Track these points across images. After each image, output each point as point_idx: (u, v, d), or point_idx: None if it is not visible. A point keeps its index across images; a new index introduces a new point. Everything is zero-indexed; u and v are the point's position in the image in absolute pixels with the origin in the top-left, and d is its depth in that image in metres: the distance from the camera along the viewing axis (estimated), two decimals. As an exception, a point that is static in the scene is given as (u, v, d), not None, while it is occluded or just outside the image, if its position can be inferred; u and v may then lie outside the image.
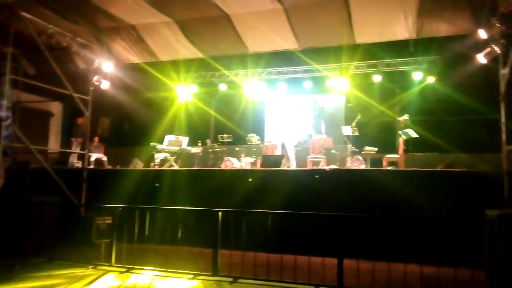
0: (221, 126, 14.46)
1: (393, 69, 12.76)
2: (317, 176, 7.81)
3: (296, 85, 14.07)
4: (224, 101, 15.25)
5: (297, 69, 13.68)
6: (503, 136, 6.80)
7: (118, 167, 11.54)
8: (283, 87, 14.14)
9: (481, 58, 7.99)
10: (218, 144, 13.27)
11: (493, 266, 4.98)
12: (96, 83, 9.81)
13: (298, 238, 6.81)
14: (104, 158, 11.97)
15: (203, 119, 15.07)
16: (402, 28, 8.36)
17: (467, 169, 7.85)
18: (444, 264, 5.14)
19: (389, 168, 9.91)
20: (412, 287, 5.07)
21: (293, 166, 10.55)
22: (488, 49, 7.70)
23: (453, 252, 5.53)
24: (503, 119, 6.86)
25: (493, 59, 7.61)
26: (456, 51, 9.78)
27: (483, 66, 8.21)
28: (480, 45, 7.94)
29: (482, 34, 7.68)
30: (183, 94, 14.55)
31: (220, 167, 11.58)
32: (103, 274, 5.96)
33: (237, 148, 12.86)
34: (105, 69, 9.94)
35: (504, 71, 6.85)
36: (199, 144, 13.09)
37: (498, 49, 7.25)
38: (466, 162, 9.36)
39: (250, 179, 8.20)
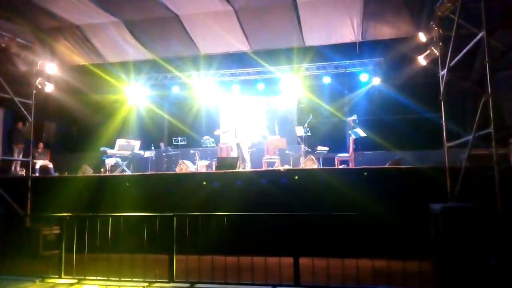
0: (175, 129, 14.25)
1: (341, 70, 13.19)
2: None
3: (249, 87, 14.17)
4: (177, 104, 15.03)
5: (250, 71, 13.77)
6: (444, 134, 7.23)
7: (66, 174, 11.02)
8: (236, 89, 14.18)
9: (421, 60, 8.46)
10: (172, 147, 13.06)
11: (439, 257, 5.26)
12: (39, 86, 9.31)
13: (254, 239, 6.85)
14: (50, 165, 11.38)
15: (156, 122, 14.76)
16: (348, 31, 8.67)
17: (413, 165, 8.26)
18: (394, 258, 5.38)
19: (340, 166, 10.23)
20: (365, 281, 5.24)
21: (248, 167, 10.59)
22: (427, 51, 8.16)
23: (402, 246, 5.80)
24: (443, 118, 7.29)
25: (433, 61, 8.07)
26: (399, 53, 10.31)
27: (424, 68, 8.69)
28: (421, 48, 8.40)
29: (422, 37, 8.13)
30: (133, 96, 14.16)
31: (175, 170, 11.40)
32: (52, 287, 5.67)
33: (191, 151, 12.72)
34: (48, 71, 9.45)
35: (443, 73, 7.27)
36: (152, 147, 12.81)
37: (437, 52, 7.70)
38: (411, 159, 9.87)
39: (204, 182, 8.14)
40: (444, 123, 7.26)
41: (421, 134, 10.99)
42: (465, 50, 6.44)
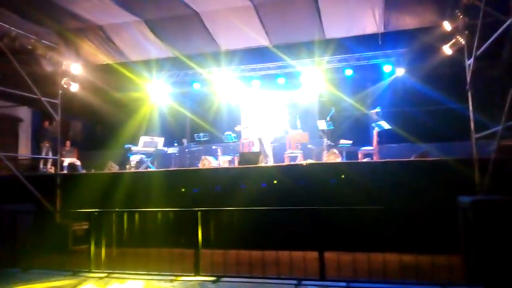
0: (197, 125, 14.36)
1: (364, 62, 12.98)
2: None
3: (270, 82, 14.12)
4: (199, 100, 15.14)
5: (270, 65, 13.72)
6: (472, 125, 7.04)
7: (92, 171, 11.29)
8: (257, 84, 14.16)
9: (447, 49, 8.23)
10: (195, 144, 13.18)
11: (468, 251, 5.15)
12: (65, 86, 9.55)
13: (279, 233, 6.85)
14: (78, 163, 11.67)
15: (178, 118, 14.92)
16: (370, 22, 8.51)
17: (439, 158, 8.07)
18: (422, 252, 5.29)
19: (364, 160, 10.10)
20: (392, 276, 5.17)
21: (270, 162, 10.59)
22: (453, 40, 7.94)
23: (431, 240, 5.70)
24: (471, 108, 7.09)
25: (459, 50, 7.85)
26: (424, 43, 10.05)
27: (450, 57, 8.46)
28: (446, 37, 8.17)
29: (447, 25, 7.91)
30: (155, 94, 14.34)
31: (197, 166, 11.51)
32: (83, 281, 5.83)
33: (214, 147, 12.81)
34: (73, 71, 9.68)
35: (469, 62, 7.07)
36: (175, 144, 12.96)
37: (463, 40, 7.49)
38: (437, 151, 9.65)
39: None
40: (471, 114, 7.06)
41: (447, 126, 10.72)
42: (492, 38, 6.23)
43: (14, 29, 8.16)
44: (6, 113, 13.06)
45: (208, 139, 13.05)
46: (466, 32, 7.33)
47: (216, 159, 11.78)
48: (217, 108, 14.66)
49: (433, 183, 7.00)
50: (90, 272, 6.21)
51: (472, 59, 6.92)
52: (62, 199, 8.83)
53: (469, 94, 7.15)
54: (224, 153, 12.35)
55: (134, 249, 6.76)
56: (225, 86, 14.06)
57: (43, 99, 8.78)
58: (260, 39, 9.31)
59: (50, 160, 11.18)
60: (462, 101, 7.62)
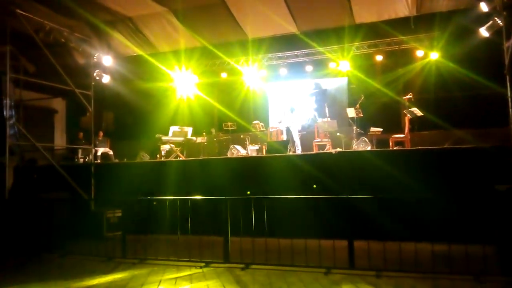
0: (224, 115, 14.42)
1: (395, 48, 12.58)
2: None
3: (298, 70, 13.94)
4: (226, 89, 15.16)
5: (298, 53, 13.54)
6: (510, 110, 6.73)
7: (125, 160, 11.58)
8: (284, 72, 14.04)
9: (483, 32, 7.87)
10: (223, 133, 13.26)
11: (503, 241, 4.97)
12: (97, 78, 9.79)
13: (307, 222, 6.83)
14: (111, 152, 12.01)
15: (206, 108, 15.02)
16: (401, 5, 8.25)
17: (475, 145, 7.78)
18: (455, 242, 5.15)
19: (395, 148, 9.88)
20: (424, 266, 5.07)
21: (299, 151, 10.54)
22: (490, 22, 7.57)
23: (464, 229, 5.53)
24: (509, 93, 6.78)
25: (496, 32, 7.49)
26: (458, 26, 9.64)
27: (486, 40, 8.09)
28: (482, 19, 7.81)
29: (484, 7, 7.54)
30: (184, 84, 14.47)
31: (226, 155, 11.60)
32: (116, 266, 6.03)
33: (242, 136, 12.85)
34: (105, 63, 9.90)
35: (508, 44, 6.74)
36: (204, 133, 13.10)
37: (501, 22, 7.13)
38: (472, 138, 9.30)
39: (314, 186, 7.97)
40: (509, 99, 6.75)
41: (483, 111, 10.31)
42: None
43: (48, 22, 8.39)
44: (41, 105, 13.54)
45: (236, 128, 13.09)
46: (505, 13, 6.97)
47: (245, 148, 11.83)
48: (244, 97, 14.65)
49: (468, 172, 6.77)
50: (124, 258, 6.41)
51: (510, 41, 6.59)
52: (96, 187, 9.11)
53: (507, 78, 6.83)
54: (252, 142, 12.37)
55: (166, 236, 6.92)
56: (253, 75, 14.02)
57: (77, 90, 9.04)
58: (288, 26, 9.21)
59: (81, 150, 11.56)
60: (499, 86, 7.28)
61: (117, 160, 11.78)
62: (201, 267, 5.81)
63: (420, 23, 9.99)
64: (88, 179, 9.10)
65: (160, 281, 5.16)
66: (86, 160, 11.47)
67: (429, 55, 12.06)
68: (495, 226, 5.23)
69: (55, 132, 14.49)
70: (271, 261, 5.66)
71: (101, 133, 12.15)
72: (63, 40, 8.86)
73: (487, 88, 9.88)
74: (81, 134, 11.77)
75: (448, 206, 5.96)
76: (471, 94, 11.17)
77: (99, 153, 11.50)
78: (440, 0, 8.06)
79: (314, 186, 7.52)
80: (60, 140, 14.41)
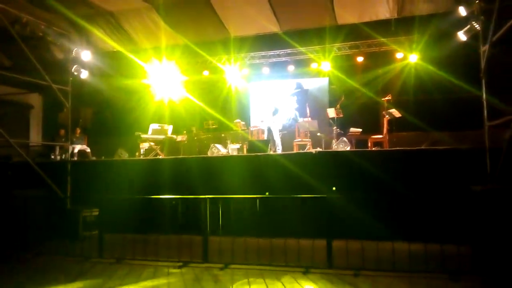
0: (206, 113, 14.31)
1: (375, 49, 12.74)
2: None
3: (280, 69, 13.97)
4: (208, 88, 15.04)
5: (280, 53, 13.56)
6: (485, 113, 6.89)
7: (102, 158, 11.37)
8: (266, 71, 14.04)
9: (461, 36, 8.05)
10: (204, 131, 13.17)
11: (478, 241, 5.08)
12: (75, 73, 9.57)
13: (287, 221, 6.85)
14: (88, 150, 11.77)
15: (187, 106, 14.87)
16: (383, 8, 8.36)
17: (451, 146, 7.94)
18: (431, 241, 5.24)
19: (374, 148, 10.00)
20: (401, 265, 5.15)
21: (279, 150, 10.55)
22: (468, 26, 7.75)
23: (440, 229, 5.64)
24: (484, 96, 6.93)
25: (474, 36, 7.66)
26: (437, 30, 9.83)
27: (464, 44, 8.26)
28: (461, 23, 7.98)
29: (462, 11, 7.71)
30: (165, 81, 14.28)
31: (206, 154, 11.52)
32: (93, 267, 5.91)
33: (223, 135, 12.79)
34: (83, 58, 9.68)
35: (484, 48, 6.89)
36: (184, 132, 12.97)
37: (478, 26, 7.29)
38: (449, 139, 9.50)
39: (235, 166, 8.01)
40: (485, 101, 6.91)
41: (460, 114, 10.51)
42: (509, 24, 6.05)
43: (24, 15, 8.15)
44: (17, 100, 13.17)
45: (217, 127, 13.02)
46: (482, 17, 7.13)
47: (225, 147, 11.78)
48: (226, 96, 14.58)
49: (444, 172, 6.91)
50: (100, 257, 6.29)
51: (487, 45, 6.74)
52: (73, 185, 8.91)
53: (483, 81, 6.98)
54: (233, 142, 12.32)
55: (143, 235, 6.82)
56: (234, 74, 13.97)
57: (54, 86, 8.80)
58: (271, 26, 9.21)
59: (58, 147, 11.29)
60: (475, 88, 7.45)
61: (94, 158, 11.56)
62: (179, 267, 5.75)
63: (401, 25, 10.16)
64: (65, 176, 8.89)
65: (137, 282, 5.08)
66: (63, 157, 11.21)
67: (409, 58, 12.26)
68: (470, 226, 5.35)
69: (30, 128, 14.12)
70: (250, 260, 5.65)
71: (78, 130, 11.89)
72: (40, 33, 8.62)
73: (464, 91, 10.09)
74: (62, 131, 11.47)
75: (425, 206, 6.06)
76: (449, 96, 11.40)
77: (76, 150, 11.25)
78: (421, 4, 8.19)
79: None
80: (36, 137, 14.04)
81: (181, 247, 6.11)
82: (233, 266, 5.65)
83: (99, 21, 9.38)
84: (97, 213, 7.73)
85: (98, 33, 9.74)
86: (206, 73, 14.53)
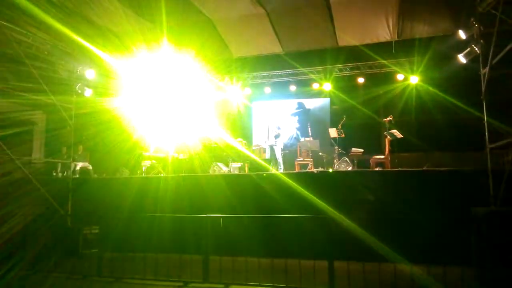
0: (208, 132, 14.33)
1: (376, 71, 12.87)
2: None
3: (282, 89, 14.08)
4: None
5: (282, 73, 13.71)
6: (486, 135, 6.92)
7: (104, 175, 11.37)
8: (268, 91, 14.16)
9: (461, 58, 8.16)
10: (205, 150, 13.17)
11: (481, 263, 5.03)
12: (79, 91, 9.67)
13: (288, 241, 6.79)
14: (90, 167, 11.77)
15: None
16: (383, 31, 8.51)
17: (453, 168, 7.95)
18: (434, 263, 5.19)
19: (376, 169, 9.99)
20: (403, 287, 5.08)
21: (281, 169, 10.55)
22: (468, 49, 7.86)
23: (443, 251, 5.57)
24: (485, 118, 6.97)
25: (474, 58, 7.76)
26: (437, 52, 9.96)
27: (464, 66, 8.37)
28: (461, 45, 8.10)
29: (462, 34, 7.84)
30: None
31: (208, 172, 11.51)
32: (90, 286, 5.85)
33: (224, 153, 12.78)
34: (87, 76, 9.80)
35: (484, 71, 6.97)
36: (186, 150, 12.98)
37: (478, 49, 7.39)
38: (451, 161, 9.50)
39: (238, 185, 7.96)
40: (486, 123, 6.94)
41: (461, 135, 10.54)
42: (508, 47, 6.14)
43: (31, 34, 8.30)
44: (21, 118, 13.25)
45: (219, 146, 13.03)
46: (481, 40, 7.24)
47: (227, 166, 11.77)
48: (228, 115, 14.65)
49: (446, 194, 6.89)
50: (99, 276, 6.23)
51: (487, 68, 6.82)
52: (74, 203, 8.89)
53: (484, 103, 7.04)
54: (234, 160, 12.33)
55: (144, 254, 6.76)
56: (237, 93, 14.08)
57: (57, 104, 8.89)
58: (273, 47, 9.36)
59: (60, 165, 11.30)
60: (476, 110, 7.50)
61: (96, 175, 11.55)
62: (179, 287, 5.69)
63: (401, 47, 10.30)
64: (66, 194, 8.88)
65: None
66: (65, 174, 11.20)
67: (409, 79, 12.37)
68: (473, 249, 5.31)
69: (33, 145, 14.14)
70: (251, 281, 5.58)
71: (81, 147, 11.92)
72: (45, 52, 8.77)
73: (465, 112, 10.15)
74: (64, 149, 11.49)
75: (427, 228, 6.02)
76: (450, 117, 11.45)
77: (77, 168, 11.26)
78: (420, 27, 8.34)
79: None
80: (38, 153, 14.06)
81: (181, 266, 6.06)
82: (233, 286, 5.58)
83: (104, 40, 9.54)
84: (97, 231, 7.70)
85: (102, 52, 9.88)
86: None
